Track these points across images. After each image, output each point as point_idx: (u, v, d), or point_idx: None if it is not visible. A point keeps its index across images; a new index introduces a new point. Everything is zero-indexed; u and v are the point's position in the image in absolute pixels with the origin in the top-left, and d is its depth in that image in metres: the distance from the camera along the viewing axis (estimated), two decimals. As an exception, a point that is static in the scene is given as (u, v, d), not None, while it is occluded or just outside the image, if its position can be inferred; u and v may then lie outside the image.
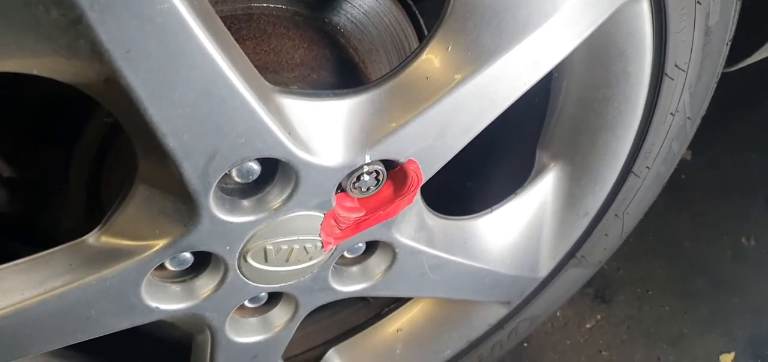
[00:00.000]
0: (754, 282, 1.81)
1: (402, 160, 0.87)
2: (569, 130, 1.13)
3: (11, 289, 0.81)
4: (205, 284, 0.93)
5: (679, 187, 2.05)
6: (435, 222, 1.10)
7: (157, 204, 0.81)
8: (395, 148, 0.85)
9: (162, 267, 0.90)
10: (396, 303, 1.43)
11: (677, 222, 1.98)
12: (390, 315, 1.42)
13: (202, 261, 0.92)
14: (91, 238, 0.84)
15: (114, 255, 0.83)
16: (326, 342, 1.43)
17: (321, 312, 1.46)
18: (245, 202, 0.85)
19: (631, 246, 1.92)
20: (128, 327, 0.90)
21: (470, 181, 1.28)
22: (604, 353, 1.68)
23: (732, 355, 1.65)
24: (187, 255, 0.89)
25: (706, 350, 1.68)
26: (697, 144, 2.11)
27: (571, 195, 1.19)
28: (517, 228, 1.20)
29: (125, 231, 0.83)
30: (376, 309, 1.47)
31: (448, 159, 0.91)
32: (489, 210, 1.17)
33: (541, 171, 1.17)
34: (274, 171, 0.85)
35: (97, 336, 0.89)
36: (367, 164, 0.87)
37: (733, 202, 2.00)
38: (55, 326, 0.84)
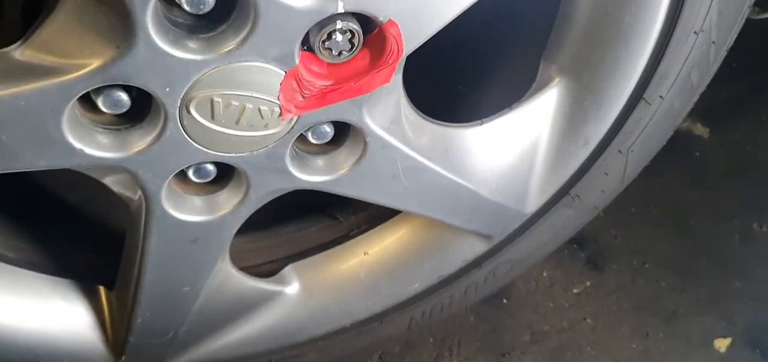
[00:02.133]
0: (761, 269, 1.75)
1: (381, 17, 0.79)
2: (580, 39, 1.05)
3: None
4: (141, 135, 0.86)
5: (691, 163, 1.98)
6: (415, 120, 1.03)
7: (89, 14, 0.73)
8: (375, 2, 0.77)
9: (94, 108, 0.82)
10: (367, 225, 1.36)
11: (685, 198, 1.91)
12: (358, 237, 1.35)
13: (140, 109, 0.85)
14: (13, 51, 0.76)
15: (35, 72, 0.75)
16: (286, 258, 1.36)
17: (284, 226, 1.41)
18: (192, 36, 0.77)
19: (633, 215, 1.85)
20: (47, 166, 0.82)
21: (461, 85, 1.20)
22: (588, 320, 1.62)
23: (728, 341, 1.59)
24: (122, 96, 0.81)
25: (701, 332, 1.62)
26: (715, 122, 2.05)
27: (572, 118, 1.11)
28: (507, 148, 1.13)
29: (50, 46, 0.75)
30: (344, 229, 1.40)
31: (435, 29, 0.83)
32: (479, 121, 1.09)
33: (544, 85, 1.10)
34: (229, 5, 0.76)
35: (9, 170, 0.81)
36: (340, 18, 0.79)
37: (747, 185, 1.93)
38: (-43, 145, 0.76)
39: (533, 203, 1.20)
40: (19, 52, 0.76)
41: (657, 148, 1.20)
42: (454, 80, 1.21)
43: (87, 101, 0.83)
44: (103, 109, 0.82)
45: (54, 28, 0.74)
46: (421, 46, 0.89)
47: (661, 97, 1.08)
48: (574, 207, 1.25)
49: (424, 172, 1.04)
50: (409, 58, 0.95)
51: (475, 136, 1.10)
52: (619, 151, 1.16)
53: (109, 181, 0.93)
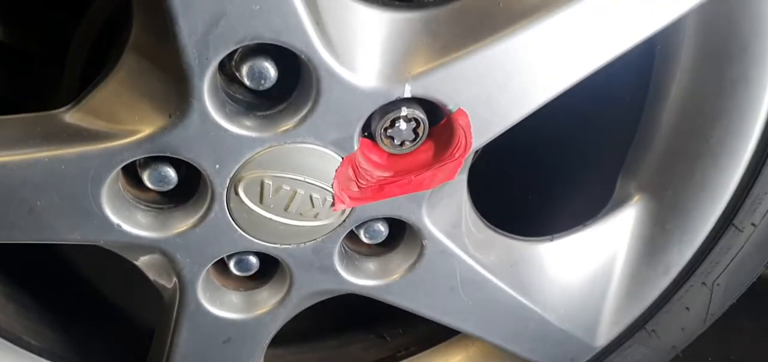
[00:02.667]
0: None
1: (450, 105, 0.74)
2: (663, 154, 0.98)
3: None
4: (184, 216, 0.81)
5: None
6: (479, 228, 0.96)
7: (144, 81, 0.71)
8: (444, 87, 0.73)
9: (139, 183, 0.79)
10: (416, 347, 1.27)
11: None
12: (406, 360, 1.25)
13: (185, 190, 0.81)
14: (63, 113, 0.74)
15: (81, 137, 0.72)
16: (325, 376, 1.27)
17: (324, 340, 1.33)
18: (249, 112, 0.74)
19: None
20: (79, 240, 0.78)
21: (531, 195, 1.13)
22: None
23: None
24: (170, 172, 0.78)
25: None
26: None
27: (652, 241, 1.02)
28: (578, 270, 1.04)
29: (101, 111, 0.73)
30: (390, 350, 1.31)
31: (509, 124, 0.78)
32: (549, 237, 1.02)
33: (621, 203, 1.02)
34: (290, 85, 0.74)
35: (40, 241, 0.78)
36: (406, 105, 0.75)
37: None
38: (-9, 207, 0.73)
39: (604, 335, 1.10)
40: (69, 115, 0.74)
41: (746, 284, 1.09)
42: (524, 190, 1.15)
43: (132, 176, 0.80)
44: (149, 184, 0.79)
45: (107, 92, 0.72)
46: (489, 149, 0.84)
47: (753, 224, 0.98)
48: (649, 344, 1.13)
49: (486, 287, 0.96)
50: (476, 161, 0.90)
51: (544, 253, 1.02)
52: (704, 283, 1.06)
53: (143, 263, 0.88)
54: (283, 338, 1.30)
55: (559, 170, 1.14)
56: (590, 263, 1.04)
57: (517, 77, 0.74)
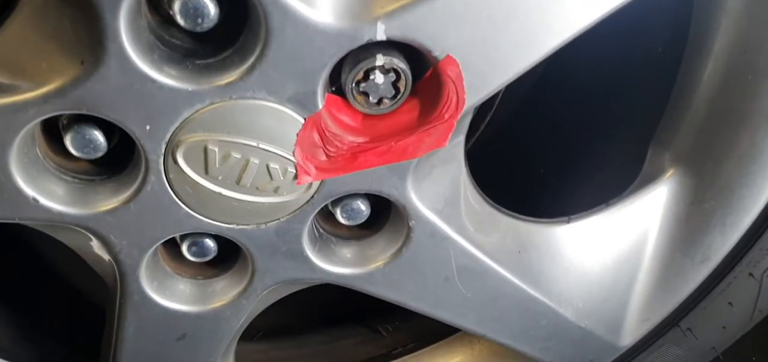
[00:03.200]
0: None
1: (436, 51, 0.60)
2: (702, 120, 0.85)
3: None
4: (115, 189, 0.69)
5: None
6: (480, 207, 0.83)
7: (50, 19, 0.58)
8: (428, 27, 0.59)
9: (65, 150, 0.66)
10: (414, 343, 1.14)
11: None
12: (403, 358, 1.13)
13: (121, 155, 0.68)
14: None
15: (-25, 91, 0.60)
16: (312, 378, 1.16)
17: (314, 335, 1.21)
18: (185, 59, 0.61)
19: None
20: (-12, 218, 0.66)
21: (543, 169, 0.99)
22: None
23: None
24: (97, 135, 0.65)
25: None
26: None
27: (688, 223, 0.89)
28: (600, 257, 0.92)
29: (2, 60, 0.60)
30: (386, 346, 1.19)
31: (511, 76, 0.64)
32: (565, 219, 0.88)
33: (652, 178, 0.90)
34: (236, 25, 0.60)
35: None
36: (382, 52, 0.61)
37: None
38: None
39: (631, 333, 0.98)
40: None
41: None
42: (535, 162, 1.01)
43: (57, 140, 0.67)
44: (72, 149, 0.66)
45: (8, 35, 0.59)
46: (491, 110, 0.70)
47: (813, 204, 0.84)
48: (684, 345, 1.01)
49: (488, 277, 0.83)
50: (475, 124, 0.76)
51: (559, 237, 0.90)
52: (751, 274, 0.92)
53: (78, 247, 0.76)
54: (264, 333, 1.18)
55: (576, 138, 1.00)
56: (614, 249, 0.92)
57: (521, 14, 0.60)
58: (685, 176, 0.87)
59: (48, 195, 0.67)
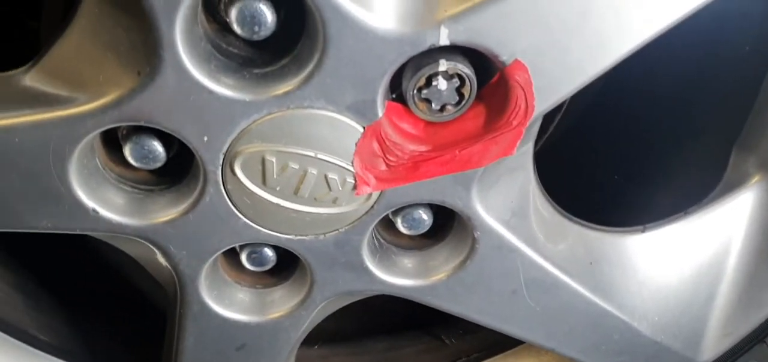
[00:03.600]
0: None
1: (504, 56, 0.57)
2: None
3: None
4: (174, 200, 0.68)
5: None
6: (550, 216, 0.79)
7: (107, 30, 0.57)
8: (496, 30, 0.56)
9: (122, 160, 0.66)
10: (479, 353, 1.11)
11: None
12: (470, 369, 1.10)
13: (180, 165, 0.67)
14: (21, 74, 0.61)
15: (36, 103, 0.60)
16: (373, 381, 1.14)
17: (370, 341, 1.19)
18: (242, 69, 0.59)
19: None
20: (50, 229, 0.66)
21: (618, 175, 0.93)
22: None
23: None
24: (155, 145, 0.64)
25: None
26: None
27: (777, 233, 0.82)
28: (678, 269, 0.86)
29: (61, 71, 0.60)
30: (449, 356, 1.16)
31: (583, 81, 0.60)
32: (640, 228, 0.83)
33: (736, 184, 0.84)
34: (293, 33, 0.58)
35: (5, 228, 0.66)
36: (446, 56, 0.58)
37: None
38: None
39: (711, 349, 0.91)
40: (28, 77, 0.61)
41: None
42: (608, 168, 0.95)
43: (117, 150, 0.67)
44: (131, 160, 0.65)
45: (68, 46, 0.59)
46: (560, 112, 0.66)
47: None
48: None
49: (558, 289, 0.79)
50: (544, 128, 0.72)
51: (633, 247, 0.84)
52: None
53: (139, 256, 0.76)
54: (324, 337, 1.16)
55: (653, 143, 0.94)
56: (693, 260, 0.86)
57: (595, 16, 0.56)
58: (773, 183, 0.81)
59: (108, 206, 0.66)
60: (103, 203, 0.66)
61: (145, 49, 0.56)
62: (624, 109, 0.85)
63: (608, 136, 0.94)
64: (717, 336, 0.91)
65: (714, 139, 0.86)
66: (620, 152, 0.94)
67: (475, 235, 0.72)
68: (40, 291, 1.00)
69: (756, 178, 0.82)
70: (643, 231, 0.84)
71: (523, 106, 0.61)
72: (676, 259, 0.85)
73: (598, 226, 0.82)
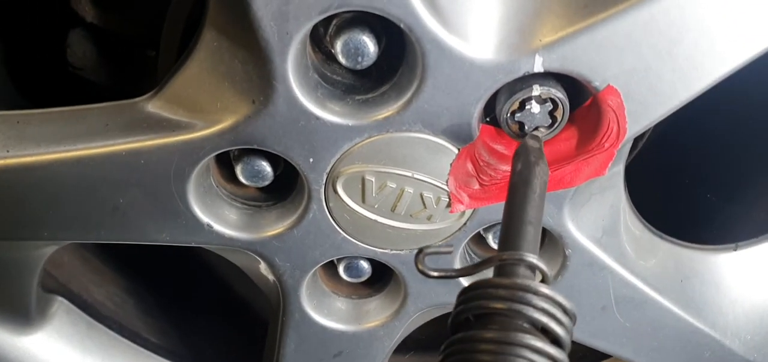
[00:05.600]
0: None
1: (596, 82, 0.59)
2: None
3: (31, 138, 0.66)
4: (280, 215, 0.72)
5: None
6: (641, 234, 0.79)
7: (224, 62, 0.62)
8: (588, 58, 0.57)
9: (236, 178, 0.71)
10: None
11: None
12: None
13: (286, 182, 0.72)
14: (145, 101, 0.67)
15: (159, 128, 0.65)
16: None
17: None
18: (346, 96, 0.63)
19: None
20: (169, 241, 0.72)
21: (712, 194, 0.92)
22: None
23: None
24: (264, 165, 0.69)
25: None
26: None
27: None
28: (772, 287, 0.83)
29: (182, 98, 0.65)
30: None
31: (673, 107, 0.61)
32: (732, 245, 0.82)
33: None
34: (394, 62, 0.62)
35: (128, 241, 0.72)
36: (539, 82, 0.60)
37: None
38: (73, 204, 0.69)
39: None
40: (151, 104, 0.67)
41: None
42: (700, 185, 0.94)
43: (228, 169, 0.72)
44: (242, 179, 0.70)
45: (187, 76, 0.64)
46: (652, 131, 0.67)
47: None
48: None
49: (648, 306, 0.79)
50: (634, 145, 0.73)
51: (726, 264, 0.83)
52: None
53: (245, 266, 0.81)
54: (416, 345, 1.18)
55: (748, 159, 0.92)
56: (789, 279, 0.83)
57: (687, 43, 0.57)
58: None
59: (221, 222, 0.72)
60: (216, 218, 0.71)
61: (260, 80, 0.60)
62: (718, 123, 0.84)
63: (700, 151, 0.93)
64: (815, 356, 0.88)
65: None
66: (713, 168, 0.93)
67: (566, 253, 0.73)
68: (150, 295, 1.08)
69: None
70: (735, 248, 0.83)
71: (615, 129, 0.62)
72: (770, 277, 0.84)
73: (690, 244, 0.82)
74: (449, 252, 0.56)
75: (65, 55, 0.83)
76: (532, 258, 0.46)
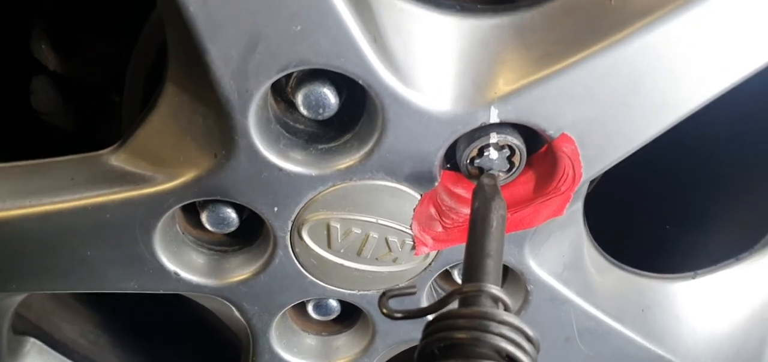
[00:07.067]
0: None
1: (551, 131, 0.60)
2: None
3: (-5, 193, 0.66)
4: (246, 262, 0.73)
5: None
6: (601, 266, 0.80)
7: (186, 117, 0.62)
8: (543, 108, 0.58)
9: (199, 224, 0.71)
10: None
11: None
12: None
13: (249, 228, 0.72)
14: (108, 154, 0.67)
15: (123, 181, 0.65)
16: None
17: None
18: (308, 146, 0.63)
19: None
20: (137, 290, 0.72)
21: (670, 224, 0.94)
22: None
23: None
24: (229, 213, 0.69)
25: None
26: None
27: (832, 279, 0.81)
28: (731, 313, 0.86)
29: (145, 151, 0.65)
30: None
31: (626, 152, 0.62)
32: (691, 274, 0.84)
33: None
34: (355, 113, 0.62)
35: (98, 290, 0.72)
36: (496, 130, 0.61)
37: None
38: (41, 256, 0.68)
39: None
40: (114, 157, 0.67)
41: None
42: (658, 217, 0.96)
43: (194, 215, 0.72)
44: (208, 226, 0.70)
45: (149, 130, 0.64)
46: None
47: None
48: None
49: (611, 337, 0.80)
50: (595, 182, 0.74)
51: (685, 292, 0.84)
52: None
53: (216, 309, 0.81)
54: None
55: (704, 190, 0.94)
56: (745, 304, 0.85)
57: (640, 92, 0.58)
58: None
59: (188, 269, 0.71)
60: (184, 266, 0.71)
61: (221, 135, 0.60)
62: (676, 157, 0.86)
63: (659, 184, 0.94)
64: (774, 378, 0.90)
65: (764, 184, 0.85)
66: (671, 200, 0.95)
67: (529, 288, 0.74)
68: (123, 329, 1.07)
69: (808, 225, 0.81)
70: (693, 277, 0.84)
71: (570, 174, 0.63)
72: (728, 304, 0.85)
73: (649, 274, 0.83)
74: (413, 294, 0.56)
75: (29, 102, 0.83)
76: (493, 289, 0.47)
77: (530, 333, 0.45)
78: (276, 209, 0.65)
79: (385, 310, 0.52)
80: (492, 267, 0.50)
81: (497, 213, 0.54)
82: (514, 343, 0.43)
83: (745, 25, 0.56)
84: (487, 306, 0.46)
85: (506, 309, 0.47)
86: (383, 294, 0.52)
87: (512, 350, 0.43)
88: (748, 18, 0.56)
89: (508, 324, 0.44)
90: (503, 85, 0.58)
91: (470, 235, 0.52)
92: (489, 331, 0.43)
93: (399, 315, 0.52)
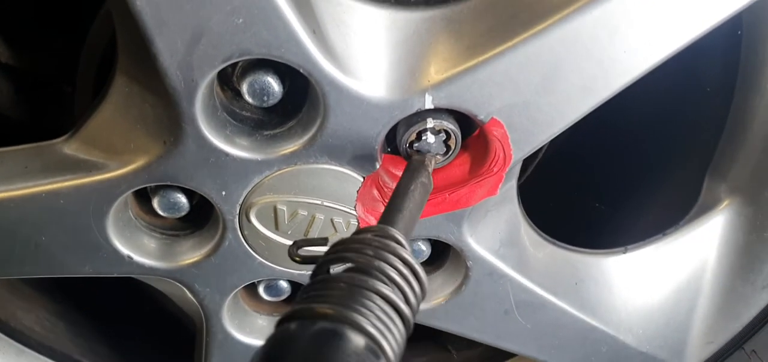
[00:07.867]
0: None
1: (481, 116, 0.64)
2: (760, 150, 0.82)
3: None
4: (197, 245, 0.76)
5: None
6: (536, 243, 0.85)
7: (136, 106, 0.65)
8: (473, 95, 0.63)
9: (151, 209, 0.74)
10: (487, 360, 1.16)
11: None
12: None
13: (199, 213, 0.75)
14: (61, 143, 0.69)
15: (76, 169, 0.68)
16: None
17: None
18: (254, 132, 0.66)
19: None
20: (92, 274, 0.74)
21: (600, 202, 0.99)
22: None
23: None
24: (180, 198, 0.72)
25: None
26: None
27: (748, 252, 0.88)
28: (660, 285, 0.91)
29: (97, 140, 0.68)
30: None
31: (552, 134, 0.67)
32: (622, 249, 0.89)
33: (709, 208, 0.88)
34: (299, 100, 0.65)
35: (53, 275, 0.74)
36: (433, 116, 0.65)
37: None
38: (-6, 245, 0.70)
39: (694, 356, 0.96)
40: (67, 145, 0.69)
41: None
42: (591, 195, 1.02)
43: (146, 200, 0.75)
44: (159, 211, 0.73)
45: (101, 119, 0.67)
46: (542, 151, 0.73)
47: None
48: None
49: (547, 309, 0.85)
50: (529, 163, 0.79)
51: (616, 266, 0.89)
52: (817, 298, 0.89)
53: (169, 292, 0.84)
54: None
55: (632, 171, 1.00)
56: (672, 277, 0.91)
57: (561, 79, 0.62)
58: (742, 206, 0.86)
59: (141, 252, 0.74)
60: (136, 250, 0.74)
61: (169, 122, 0.63)
62: (607, 141, 0.91)
63: (591, 165, 1.00)
64: (699, 345, 0.96)
65: (688, 166, 0.91)
66: (603, 180, 1.00)
67: (468, 264, 0.79)
68: (81, 316, 1.09)
69: (726, 202, 0.86)
70: (624, 251, 0.90)
71: (501, 156, 0.67)
72: (656, 277, 0.91)
73: (583, 249, 0.88)
74: (324, 244, 0.58)
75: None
76: (394, 232, 0.49)
77: (418, 269, 0.47)
78: (224, 193, 0.68)
79: (297, 258, 0.54)
80: (403, 219, 0.53)
81: (419, 181, 0.58)
82: (400, 273, 0.46)
83: (657, 12, 0.61)
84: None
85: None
86: (294, 243, 0.54)
87: (397, 278, 0.45)
88: (659, 6, 0.61)
89: (399, 256, 0.46)
90: (435, 73, 0.62)
91: (392, 196, 0.56)
92: (381, 258, 0.45)
93: (298, 258, 0.54)
